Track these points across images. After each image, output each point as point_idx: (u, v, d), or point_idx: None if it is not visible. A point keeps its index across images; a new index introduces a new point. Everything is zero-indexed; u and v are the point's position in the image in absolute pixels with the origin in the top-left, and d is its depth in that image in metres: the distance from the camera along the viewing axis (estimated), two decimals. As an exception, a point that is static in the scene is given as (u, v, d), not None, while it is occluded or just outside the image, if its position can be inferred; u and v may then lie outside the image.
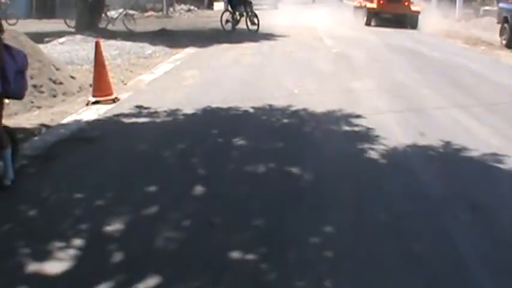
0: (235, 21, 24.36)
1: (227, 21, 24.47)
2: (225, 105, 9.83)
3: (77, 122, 8.86)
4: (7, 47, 5.90)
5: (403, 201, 5.73)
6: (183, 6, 38.07)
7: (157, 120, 8.93)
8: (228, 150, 7.35)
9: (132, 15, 27.22)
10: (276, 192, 5.90)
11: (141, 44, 18.16)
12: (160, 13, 34.63)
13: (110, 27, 25.76)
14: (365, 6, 31.77)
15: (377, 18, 30.78)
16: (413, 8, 30.44)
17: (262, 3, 40.21)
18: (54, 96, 10.50)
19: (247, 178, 6.33)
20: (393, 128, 8.58)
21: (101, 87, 10.15)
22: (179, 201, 5.61)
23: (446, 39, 24.74)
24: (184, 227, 5.04)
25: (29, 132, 8.21)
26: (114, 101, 10.14)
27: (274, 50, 18.35)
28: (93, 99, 10.02)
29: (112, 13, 27.13)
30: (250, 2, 24.47)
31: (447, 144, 7.75)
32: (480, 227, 5.19)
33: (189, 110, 9.45)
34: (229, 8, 24.80)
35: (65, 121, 8.92)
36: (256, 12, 24.67)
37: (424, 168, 6.79)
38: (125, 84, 12.16)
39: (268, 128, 8.69)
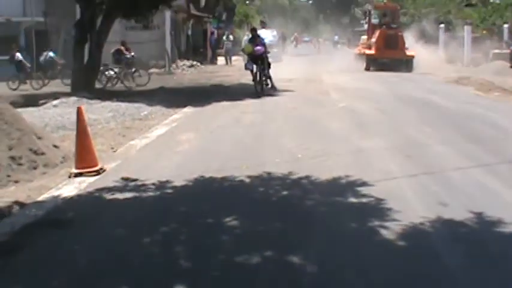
0: (255, 80, 20.88)
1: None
2: (220, 175, 8.79)
3: (54, 199, 7.91)
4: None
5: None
6: (185, 62, 37.50)
7: (143, 195, 7.91)
8: (218, 234, 6.27)
9: (131, 74, 26.55)
10: (272, 293, 4.83)
11: (137, 105, 17.38)
12: (162, 70, 33.98)
13: (109, 86, 25.16)
14: (364, 53, 35.06)
15: (375, 63, 33.40)
16: (409, 53, 33.18)
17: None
18: (35, 168, 9.57)
19: (238, 273, 5.27)
20: (409, 198, 7.51)
21: (83, 158, 9.21)
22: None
23: (457, 86, 23.99)
24: None
25: (-1, 212, 7.28)
26: (98, 172, 9.17)
27: (278, 106, 17.45)
28: (76, 171, 9.06)
29: (111, 72, 26.46)
30: (263, 58, 21.21)
31: (476, 217, 6.62)
32: None
33: (179, 182, 8.43)
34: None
35: (41, 198, 7.99)
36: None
37: (452, 253, 5.61)
38: (114, 151, 11.25)
39: (266, 202, 7.62)
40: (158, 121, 15.01)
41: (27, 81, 27.22)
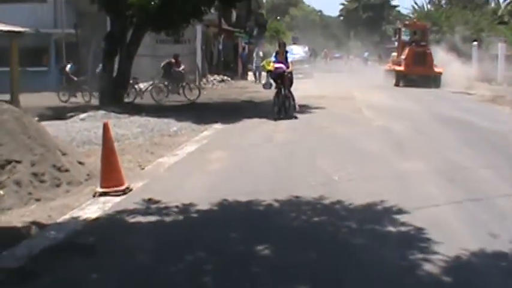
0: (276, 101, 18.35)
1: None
2: (251, 198, 8.28)
3: (75, 221, 7.51)
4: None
5: None
6: (216, 76, 37.16)
7: (168, 219, 7.45)
8: (248, 265, 5.78)
9: (160, 87, 26.22)
10: None
11: (166, 120, 17.07)
12: (192, 84, 33.69)
13: (138, 100, 24.87)
14: (394, 69, 36.13)
15: (405, 79, 34.75)
16: (437, 69, 34.18)
17: (298, 72, 39.02)
18: (58, 186, 9.15)
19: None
20: (454, 227, 6.96)
21: (109, 176, 8.79)
22: None
23: (493, 106, 23.53)
24: None
25: (17, 234, 6.95)
26: (125, 192, 8.74)
27: (310, 124, 16.95)
28: (101, 191, 8.63)
29: (141, 85, 26.23)
30: (283, 77, 18.24)
31: (531, 250, 6.05)
32: None
33: (207, 206, 7.94)
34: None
35: (62, 219, 7.59)
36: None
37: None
38: (142, 169, 10.83)
39: (300, 230, 7.11)
40: (188, 138, 14.61)
41: (79, 93, 26.92)
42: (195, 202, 8.06)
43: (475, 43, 41.49)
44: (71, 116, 18.46)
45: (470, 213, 7.57)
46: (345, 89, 29.07)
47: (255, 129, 15.93)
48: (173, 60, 27.13)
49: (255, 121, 17.42)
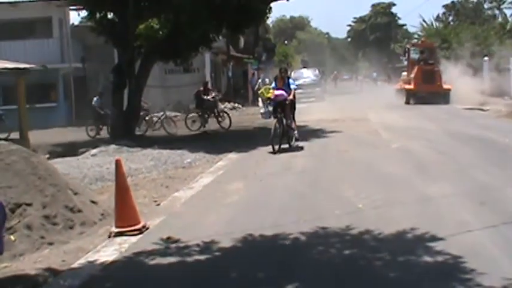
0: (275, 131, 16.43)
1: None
2: (275, 232, 7.88)
3: (91, 265, 7.13)
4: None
5: None
6: (227, 104, 36.90)
7: (188, 259, 7.05)
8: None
9: (172, 118, 25.87)
10: None
11: (179, 152, 16.76)
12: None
13: (149, 132, 24.60)
14: (404, 88, 37.12)
15: (414, 97, 35.58)
16: (445, 86, 34.94)
17: (310, 95, 38.80)
18: (71, 227, 8.80)
19: None
20: (492, 254, 6.53)
21: (124, 215, 8.40)
22: None
23: (510, 121, 23.18)
24: None
25: (30, 282, 6.59)
26: (141, 231, 8.34)
27: (327, 149, 16.58)
28: (116, 231, 8.24)
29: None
30: (284, 105, 16.62)
31: None
32: None
33: (230, 242, 7.54)
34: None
35: (77, 264, 7.22)
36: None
37: None
38: (158, 204, 10.45)
39: (331, 265, 6.65)
40: (203, 169, 14.22)
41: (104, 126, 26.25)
42: (217, 239, 7.67)
43: (486, 58, 41.27)
44: (82, 152, 18.16)
45: (507, 238, 7.15)
46: (357, 111, 28.83)
47: (271, 157, 15.51)
48: (202, 88, 26.62)
49: (271, 148, 16.80)
